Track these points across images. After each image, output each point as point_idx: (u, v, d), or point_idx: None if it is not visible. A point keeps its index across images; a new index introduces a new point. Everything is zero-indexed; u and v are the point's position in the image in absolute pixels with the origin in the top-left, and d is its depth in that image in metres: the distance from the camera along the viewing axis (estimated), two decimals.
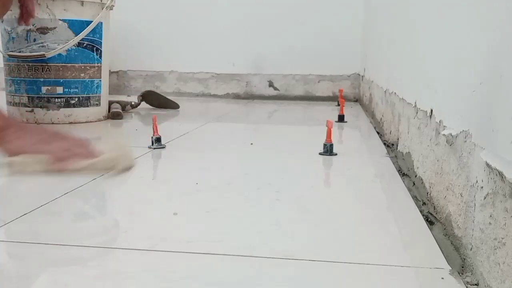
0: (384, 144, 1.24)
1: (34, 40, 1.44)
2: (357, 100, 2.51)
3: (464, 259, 0.53)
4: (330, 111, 2.01)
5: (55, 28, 1.45)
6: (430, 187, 0.73)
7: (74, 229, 0.63)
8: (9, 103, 1.53)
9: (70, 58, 1.44)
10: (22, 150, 0.91)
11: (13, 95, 1.51)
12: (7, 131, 0.94)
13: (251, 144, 1.21)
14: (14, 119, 1.05)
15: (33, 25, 1.41)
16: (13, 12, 1.39)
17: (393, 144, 1.17)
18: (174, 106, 1.99)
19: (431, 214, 0.68)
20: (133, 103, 1.85)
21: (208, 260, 0.52)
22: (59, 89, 1.46)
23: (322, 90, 2.55)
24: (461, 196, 0.56)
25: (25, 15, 1.13)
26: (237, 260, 0.52)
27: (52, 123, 1.50)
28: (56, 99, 1.44)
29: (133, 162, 0.97)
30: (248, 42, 2.57)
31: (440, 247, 0.56)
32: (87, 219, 0.67)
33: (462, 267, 0.52)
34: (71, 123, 1.52)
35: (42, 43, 1.43)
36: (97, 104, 1.57)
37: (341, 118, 1.66)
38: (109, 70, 1.54)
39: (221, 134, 1.46)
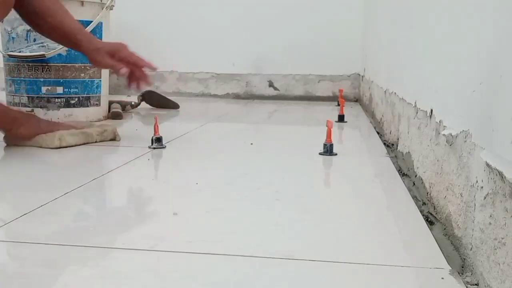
0: (384, 144, 1.24)
1: (34, 40, 1.44)
2: (357, 100, 2.51)
3: (464, 259, 0.53)
4: (330, 111, 2.01)
5: None
6: (430, 187, 0.73)
7: (74, 229, 0.63)
8: (9, 103, 1.53)
9: (70, 58, 1.44)
10: (36, 132, 1.10)
11: (13, 95, 1.51)
12: (16, 121, 1.10)
13: (251, 144, 1.21)
14: (16, 110, 1.21)
15: None
16: (13, 12, 1.39)
17: (393, 144, 1.17)
18: (174, 106, 1.99)
19: (431, 214, 0.68)
20: (133, 103, 1.85)
21: (208, 260, 0.52)
22: (59, 89, 1.46)
23: (322, 90, 2.55)
24: (461, 196, 0.56)
25: (134, 82, 1.16)
26: (237, 260, 0.52)
27: None
28: (56, 99, 1.44)
29: (118, 137, 1.21)
30: (248, 42, 2.57)
31: (440, 247, 0.56)
32: (87, 219, 0.67)
33: (462, 267, 0.52)
34: None
35: (42, 43, 1.43)
36: (97, 104, 1.57)
37: (341, 118, 1.66)
38: (109, 70, 1.54)
39: (221, 134, 1.46)
